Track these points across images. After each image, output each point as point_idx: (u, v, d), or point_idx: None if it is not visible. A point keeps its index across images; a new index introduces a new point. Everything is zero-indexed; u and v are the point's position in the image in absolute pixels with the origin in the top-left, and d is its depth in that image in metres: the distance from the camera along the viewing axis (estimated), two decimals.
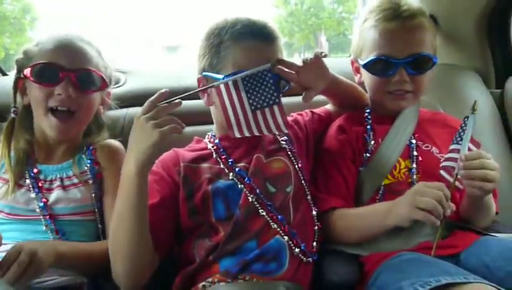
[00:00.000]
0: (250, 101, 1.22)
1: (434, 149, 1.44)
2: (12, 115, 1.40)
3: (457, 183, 1.24)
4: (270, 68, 1.23)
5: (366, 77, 1.51)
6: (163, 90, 1.13)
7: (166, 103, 1.12)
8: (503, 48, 1.99)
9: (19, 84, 1.40)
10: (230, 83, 1.20)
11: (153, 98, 1.12)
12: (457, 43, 2.07)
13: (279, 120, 1.25)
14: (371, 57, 1.44)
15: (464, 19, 1.96)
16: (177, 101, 1.13)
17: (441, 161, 1.31)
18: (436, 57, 1.46)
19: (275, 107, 1.24)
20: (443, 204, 1.14)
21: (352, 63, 1.59)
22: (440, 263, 1.15)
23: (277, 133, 1.29)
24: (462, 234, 1.32)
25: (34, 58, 1.35)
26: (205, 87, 1.27)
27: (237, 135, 1.23)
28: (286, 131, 1.28)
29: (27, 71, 1.34)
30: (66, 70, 1.32)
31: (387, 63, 1.42)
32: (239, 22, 1.31)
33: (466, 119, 1.29)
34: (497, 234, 1.34)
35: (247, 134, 1.24)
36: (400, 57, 1.40)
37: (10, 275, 1.07)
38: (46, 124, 1.35)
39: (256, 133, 1.25)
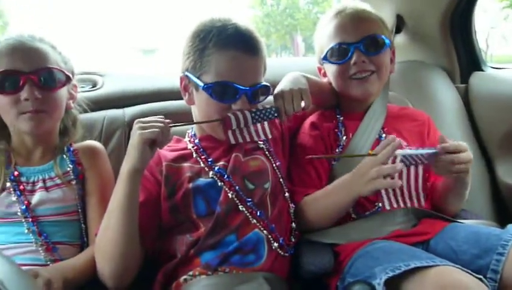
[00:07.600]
0: (253, 114, 1.31)
1: (402, 142, 1.47)
2: None
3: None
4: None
5: (330, 71, 1.56)
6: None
7: (174, 125, 1.20)
8: (466, 45, 2.04)
9: None
10: (239, 113, 1.30)
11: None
12: (423, 41, 2.12)
13: (266, 127, 1.35)
14: (328, 47, 1.51)
15: (428, 18, 2.02)
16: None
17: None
18: (390, 41, 1.53)
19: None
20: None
21: (319, 69, 1.64)
22: (410, 249, 1.20)
23: (264, 138, 1.36)
24: (431, 222, 1.36)
25: None
26: (213, 120, 1.32)
27: (232, 142, 1.31)
28: (270, 136, 1.36)
29: None
30: (26, 74, 1.27)
31: (343, 48, 1.48)
32: (224, 30, 1.29)
33: None
34: (463, 221, 1.39)
35: (240, 141, 1.32)
36: (353, 41, 1.47)
37: None
38: (20, 123, 1.31)
39: (248, 140, 1.33)
